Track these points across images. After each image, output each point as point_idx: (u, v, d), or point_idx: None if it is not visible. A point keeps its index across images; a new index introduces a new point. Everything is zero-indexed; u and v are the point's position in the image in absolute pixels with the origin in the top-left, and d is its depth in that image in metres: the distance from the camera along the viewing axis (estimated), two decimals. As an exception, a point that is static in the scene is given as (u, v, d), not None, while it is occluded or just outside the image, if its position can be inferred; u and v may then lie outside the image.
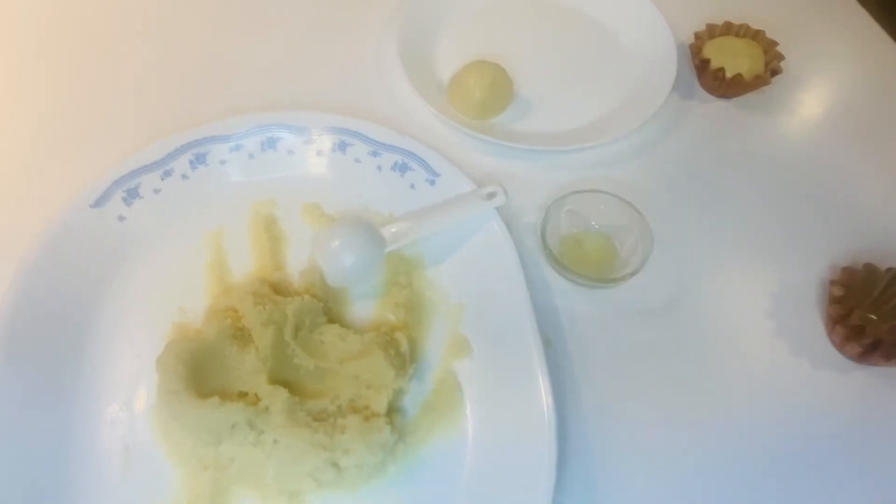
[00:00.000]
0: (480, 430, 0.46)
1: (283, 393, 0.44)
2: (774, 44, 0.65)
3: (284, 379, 0.47)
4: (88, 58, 0.66)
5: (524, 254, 0.53)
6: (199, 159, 0.55)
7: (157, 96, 0.63)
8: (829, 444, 0.48)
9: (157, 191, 0.54)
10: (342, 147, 0.57)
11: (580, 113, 0.64)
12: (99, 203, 0.52)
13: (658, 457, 0.47)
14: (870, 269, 0.52)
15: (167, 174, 0.54)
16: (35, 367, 0.45)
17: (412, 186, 0.56)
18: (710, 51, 0.65)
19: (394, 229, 0.52)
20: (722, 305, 0.54)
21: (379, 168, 0.56)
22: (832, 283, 0.52)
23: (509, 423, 0.45)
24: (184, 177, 0.55)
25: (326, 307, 0.50)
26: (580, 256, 0.54)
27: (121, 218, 0.52)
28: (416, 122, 0.61)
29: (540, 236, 0.53)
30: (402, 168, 0.56)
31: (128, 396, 0.47)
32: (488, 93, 0.60)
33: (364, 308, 0.52)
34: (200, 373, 0.45)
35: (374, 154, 0.56)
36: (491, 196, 0.53)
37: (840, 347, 0.52)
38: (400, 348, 0.47)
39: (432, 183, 0.55)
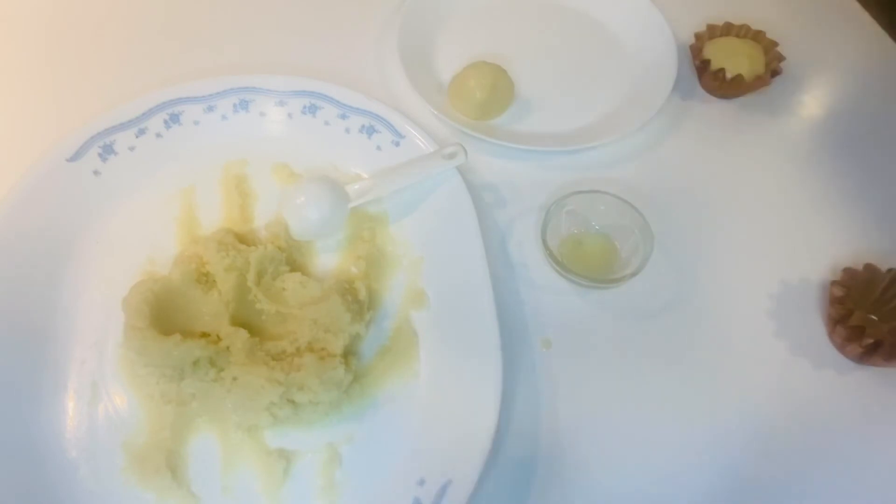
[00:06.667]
0: (433, 373, 0.49)
1: (243, 334, 0.47)
2: (775, 44, 0.65)
3: (246, 322, 0.49)
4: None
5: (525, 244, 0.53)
6: (174, 119, 0.58)
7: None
8: (830, 445, 0.48)
9: (131, 148, 0.56)
10: (312, 110, 0.59)
11: (581, 113, 0.64)
12: (75, 157, 0.54)
13: (657, 456, 0.47)
14: (871, 270, 0.52)
15: (142, 132, 0.56)
16: (9, 313, 0.48)
17: (378, 148, 0.58)
18: (710, 51, 0.65)
19: (357, 187, 0.54)
20: (722, 306, 0.54)
21: (347, 130, 0.59)
22: (833, 283, 0.52)
23: (460, 367, 0.48)
24: (158, 135, 0.57)
25: (290, 258, 0.53)
26: (580, 257, 0.54)
27: (96, 173, 0.54)
28: (416, 122, 0.61)
29: (540, 237, 0.53)
30: (370, 130, 0.58)
31: (97, 338, 0.49)
32: (490, 94, 0.60)
33: (328, 260, 0.54)
34: (165, 314, 0.48)
35: (343, 117, 0.59)
36: (452, 155, 0.54)
37: (840, 348, 0.52)
38: (358, 296, 0.50)
39: (397, 144, 0.58)
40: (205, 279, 0.50)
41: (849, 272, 0.52)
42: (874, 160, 0.63)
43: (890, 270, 0.52)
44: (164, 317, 0.47)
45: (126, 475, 0.44)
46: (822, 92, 0.69)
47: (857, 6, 0.75)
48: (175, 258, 0.51)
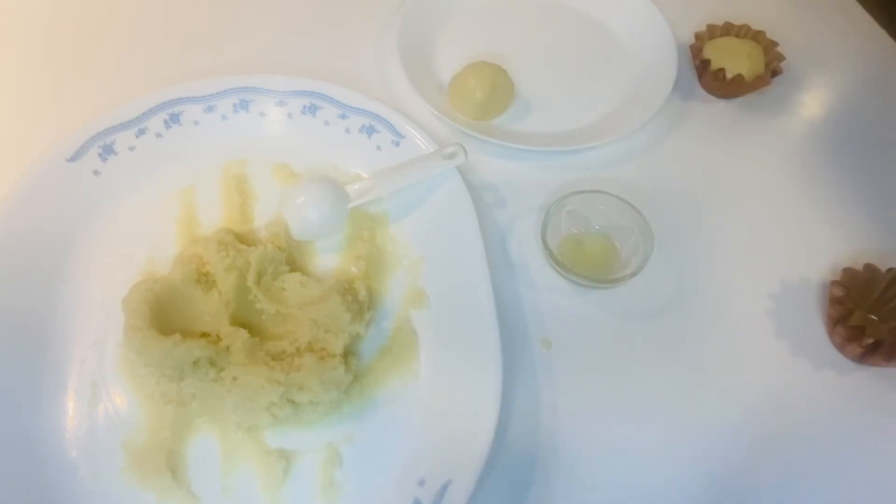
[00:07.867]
0: (433, 373, 0.49)
1: (243, 334, 0.47)
2: (775, 44, 0.65)
3: (246, 322, 0.49)
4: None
5: (524, 250, 0.53)
6: (174, 119, 0.58)
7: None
8: (830, 445, 0.48)
9: (131, 148, 0.56)
10: (312, 110, 0.59)
11: (581, 113, 0.64)
12: (75, 157, 0.54)
13: (657, 456, 0.47)
14: (871, 270, 0.52)
15: (142, 132, 0.56)
16: (9, 313, 0.48)
17: (378, 148, 0.58)
18: (710, 51, 0.65)
19: (357, 187, 0.54)
20: (722, 306, 0.54)
21: (347, 130, 0.59)
22: (833, 283, 0.52)
23: (460, 367, 0.48)
24: (158, 135, 0.57)
25: (290, 258, 0.53)
26: (580, 257, 0.54)
27: (96, 173, 0.54)
28: (416, 122, 0.61)
29: (540, 237, 0.53)
30: (369, 130, 0.58)
31: (97, 338, 0.49)
32: (490, 94, 0.60)
33: (328, 260, 0.54)
34: (165, 314, 0.48)
35: (343, 117, 0.59)
36: (452, 155, 0.54)
37: (840, 348, 0.52)
38: (358, 296, 0.50)
39: (397, 144, 0.58)
40: (205, 279, 0.50)
41: (849, 272, 0.52)
42: (874, 160, 0.63)
43: (890, 270, 0.52)
44: (164, 317, 0.47)
45: (126, 475, 0.44)
46: (822, 92, 0.69)
47: (857, 6, 0.75)
48: (175, 258, 0.52)
